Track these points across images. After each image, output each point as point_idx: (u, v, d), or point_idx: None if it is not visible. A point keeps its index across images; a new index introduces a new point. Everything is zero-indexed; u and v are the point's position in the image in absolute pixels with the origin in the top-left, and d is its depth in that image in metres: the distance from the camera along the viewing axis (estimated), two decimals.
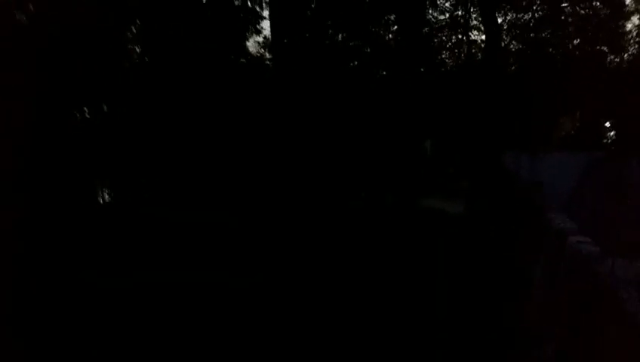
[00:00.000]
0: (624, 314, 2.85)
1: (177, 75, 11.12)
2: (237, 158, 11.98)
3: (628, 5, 12.08)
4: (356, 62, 12.72)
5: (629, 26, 12.85)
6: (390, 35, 12.28)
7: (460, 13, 12.55)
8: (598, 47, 12.63)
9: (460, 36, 12.44)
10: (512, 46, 12.56)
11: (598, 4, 11.53)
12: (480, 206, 10.73)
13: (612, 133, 15.81)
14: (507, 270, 6.17)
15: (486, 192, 10.44)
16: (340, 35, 12.35)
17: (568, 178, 6.89)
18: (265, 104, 11.47)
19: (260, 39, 12.23)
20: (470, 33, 12.36)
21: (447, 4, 12.41)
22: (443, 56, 12.72)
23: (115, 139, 11.99)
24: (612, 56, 13.46)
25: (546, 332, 3.84)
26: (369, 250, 10.42)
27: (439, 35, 12.48)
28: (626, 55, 13.37)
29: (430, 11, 12.29)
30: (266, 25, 12.11)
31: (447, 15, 12.40)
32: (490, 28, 11.07)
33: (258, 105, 11.53)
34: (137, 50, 11.90)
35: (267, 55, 12.35)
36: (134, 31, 11.65)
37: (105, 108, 13.45)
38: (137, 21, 11.35)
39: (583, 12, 11.60)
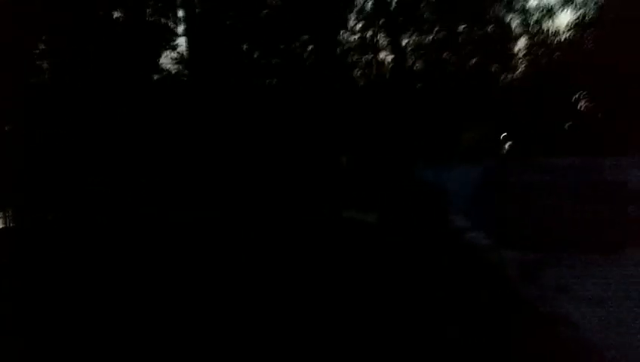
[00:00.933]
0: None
1: (87, 90, 10.84)
2: (152, 173, 11.82)
3: (514, 28, 13.69)
4: (273, 80, 13.12)
5: (520, 45, 14.50)
6: (305, 55, 12.83)
7: (369, 34, 13.46)
8: (491, 67, 14.11)
9: (369, 56, 13.33)
10: (416, 65, 13.66)
11: (489, 28, 12.93)
12: (393, 214, 11.47)
13: (507, 144, 17.63)
14: (416, 264, 6.81)
15: (398, 201, 11.21)
16: (256, 53, 12.70)
17: (468, 186, 7.66)
18: (179, 120, 11.47)
19: (175, 55, 12.26)
20: (379, 53, 13.29)
21: (358, 26, 13.26)
22: (355, 74, 13.51)
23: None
24: (505, 74, 15.08)
25: (451, 314, 4.36)
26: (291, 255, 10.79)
27: (351, 54, 13.28)
28: (516, 73, 15.03)
29: (342, 32, 13.05)
30: (181, 41, 12.15)
31: (358, 36, 13.26)
32: (396, 49, 12.02)
33: (172, 121, 11.50)
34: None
35: (182, 71, 12.39)
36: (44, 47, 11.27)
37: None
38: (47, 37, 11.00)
39: (476, 36, 12.92)
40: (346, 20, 12.89)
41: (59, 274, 9.41)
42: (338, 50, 13.07)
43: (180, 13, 11.47)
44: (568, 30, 13.29)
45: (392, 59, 12.54)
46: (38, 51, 11.38)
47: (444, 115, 13.50)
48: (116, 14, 10.69)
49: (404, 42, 13.04)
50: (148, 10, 10.81)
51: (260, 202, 13.62)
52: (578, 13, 12.71)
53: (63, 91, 11.05)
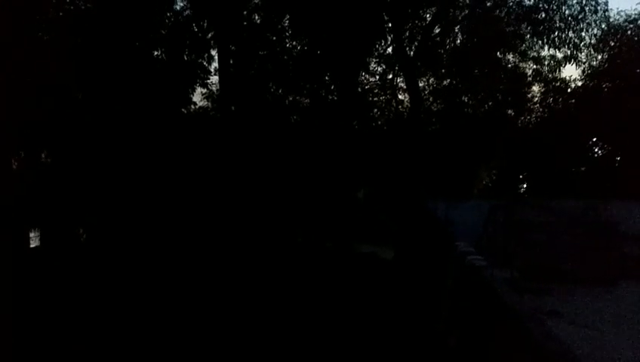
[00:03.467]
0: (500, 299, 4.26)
1: (123, 120, 11.99)
2: (180, 201, 12.82)
3: (529, 76, 14.70)
4: (295, 117, 14.26)
5: (535, 90, 15.45)
6: (327, 93, 13.98)
7: (389, 77, 14.62)
8: (506, 111, 15.06)
9: (388, 97, 14.42)
10: (434, 106, 14.69)
11: (502, 75, 13.97)
12: (406, 246, 12.29)
13: (523, 185, 18.42)
14: (426, 285, 7.71)
15: (411, 234, 12.05)
16: (280, 90, 13.89)
17: (476, 220, 8.53)
18: (209, 151, 12.56)
19: (204, 91, 13.49)
20: (398, 94, 14.39)
21: (378, 69, 14.45)
22: (374, 113, 14.58)
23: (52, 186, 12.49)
24: (522, 118, 16.00)
25: (451, 326, 5.19)
26: (312, 286, 11.67)
27: (371, 95, 14.40)
28: (531, 117, 15.93)
29: (363, 73, 14.22)
30: (212, 79, 13.40)
31: (378, 78, 14.42)
32: (413, 91, 13.09)
33: (202, 152, 12.59)
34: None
35: (211, 106, 13.57)
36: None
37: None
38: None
39: (491, 82, 13.95)
40: (367, 63, 14.06)
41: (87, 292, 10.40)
42: (359, 90, 14.21)
43: (214, 53, 12.76)
44: (581, 79, 14.25)
45: (410, 100, 13.58)
46: (76, 82, 12.60)
47: (460, 155, 14.37)
48: (156, 53, 11.97)
49: (422, 84, 14.14)
50: (185, 50, 12.09)
51: (282, 233, 14.54)
52: (582, 67, 13.67)
53: (98, 120, 12.19)
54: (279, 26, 13.29)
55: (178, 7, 12.46)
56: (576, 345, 4.23)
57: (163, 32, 12.07)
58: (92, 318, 9.53)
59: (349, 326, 9.28)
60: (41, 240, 13.90)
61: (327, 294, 11.55)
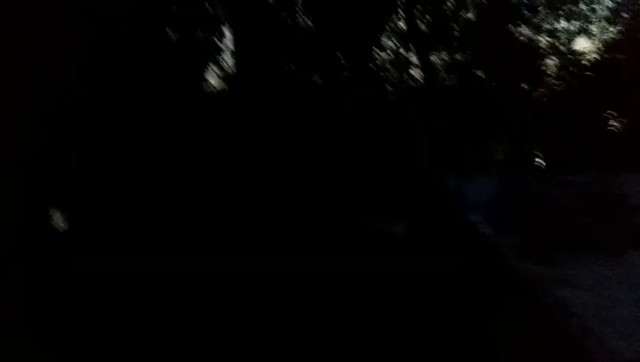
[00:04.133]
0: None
1: (138, 98, 12.28)
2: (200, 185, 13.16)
3: (543, 49, 14.65)
4: (309, 94, 14.43)
5: (550, 63, 15.42)
6: (339, 69, 14.11)
7: (401, 51, 14.67)
8: (520, 84, 15.07)
9: (402, 72, 14.52)
10: (447, 81, 14.76)
11: (516, 48, 13.96)
12: (418, 222, 12.55)
13: (537, 159, 18.48)
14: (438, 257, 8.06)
15: (423, 209, 12.28)
16: (291, 66, 14.06)
17: (488, 194, 8.78)
18: (225, 131, 12.85)
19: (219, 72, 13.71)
20: (410, 69, 14.46)
21: (390, 44, 14.50)
22: (387, 88, 14.71)
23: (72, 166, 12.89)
24: (537, 91, 16.00)
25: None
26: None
27: (383, 70, 14.51)
28: (546, 90, 15.92)
29: (375, 49, 14.30)
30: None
31: (390, 53, 14.49)
32: (426, 65, 13.20)
33: (219, 132, 12.88)
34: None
35: (227, 87, 13.81)
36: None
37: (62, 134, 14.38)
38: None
39: (505, 55, 13.97)
40: (379, 39, 14.13)
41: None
42: (372, 66, 14.32)
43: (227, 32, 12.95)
44: (595, 52, 14.18)
45: (423, 76, 13.69)
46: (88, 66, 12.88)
47: (473, 129, 14.49)
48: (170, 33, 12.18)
49: (436, 59, 14.21)
50: (198, 28, 12.30)
51: (296, 209, 14.84)
52: (594, 40, 13.61)
53: (112, 100, 12.47)
54: (290, 2, 13.38)
55: None
56: (580, 308, 4.50)
57: (176, 10, 12.25)
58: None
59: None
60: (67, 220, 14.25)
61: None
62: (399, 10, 13.94)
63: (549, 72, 15.36)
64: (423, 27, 13.59)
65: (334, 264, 12.01)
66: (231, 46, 12.98)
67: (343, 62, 14.07)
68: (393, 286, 10.96)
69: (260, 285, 10.03)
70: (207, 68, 12.68)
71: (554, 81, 15.32)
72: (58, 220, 13.44)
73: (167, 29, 12.60)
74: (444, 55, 14.37)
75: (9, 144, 12.26)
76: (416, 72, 14.39)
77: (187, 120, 11.98)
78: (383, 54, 14.42)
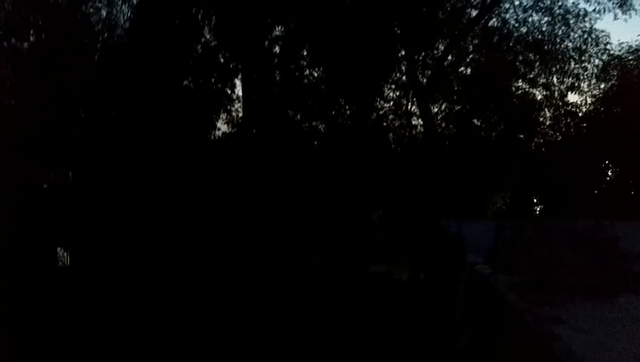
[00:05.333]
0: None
1: (152, 144, 12.90)
2: (201, 224, 13.57)
3: (539, 101, 15.48)
4: (313, 141, 15.14)
5: (546, 114, 16.21)
6: (343, 119, 14.86)
7: (403, 102, 15.50)
8: (518, 134, 15.81)
9: (402, 122, 15.29)
10: (447, 130, 15.51)
11: (513, 101, 14.80)
12: (421, 265, 12.94)
13: (538, 207, 19.00)
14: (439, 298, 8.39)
15: (426, 253, 12.70)
16: (298, 116, 14.83)
17: (487, 238, 9.24)
18: (231, 174, 13.42)
19: (228, 116, 14.44)
20: (411, 119, 15.24)
21: (392, 95, 15.36)
22: (389, 137, 15.43)
23: (81, 206, 13.35)
24: (534, 141, 16.72)
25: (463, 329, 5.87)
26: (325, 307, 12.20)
27: (385, 120, 15.28)
28: (543, 140, 16.65)
29: (378, 100, 15.13)
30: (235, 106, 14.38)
31: (392, 103, 15.31)
32: (426, 116, 13.95)
33: (225, 175, 13.45)
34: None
35: (233, 131, 14.50)
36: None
37: (70, 175, 14.93)
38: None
39: (502, 107, 14.78)
40: (382, 90, 14.97)
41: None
42: (374, 115, 15.10)
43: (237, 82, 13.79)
44: (590, 104, 15.00)
45: (423, 125, 14.42)
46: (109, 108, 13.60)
47: (472, 177, 15.07)
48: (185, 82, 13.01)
49: (434, 109, 15.00)
50: (211, 79, 13.12)
51: (300, 254, 15.18)
52: (585, 96, 14.44)
53: (127, 144, 13.09)
54: (298, 56, 14.27)
55: (205, 39, 13.48)
56: (578, 347, 4.88)
57: (191, 62, 13.09)
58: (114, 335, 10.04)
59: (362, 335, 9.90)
60: (70, 258, 14.60)
61: (343, 311, 12.00)
62: (401, 64, 14.83)
63: (545, 124, 16.14)
64: (423, 80, 14.44)
65: (336, 307, 12.29)
66: (241, 95, 13.79)
67: (346, 111, 14.85)
68: (394, 326, 11.23)
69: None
70: (218, 115, 13.42)
71: (550, 132, 16.07)
72: (62, 257, 13.80)
73: (184, 81, 13.45)
74: (444, 106, 15.19)
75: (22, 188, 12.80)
76: (416, 122, 15.18)
77: (196, 163, 12.58)
78: (385, 104, 15.26)
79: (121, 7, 13.92)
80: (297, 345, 9.84)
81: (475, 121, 15.34)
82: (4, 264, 11.48)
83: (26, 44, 13.99)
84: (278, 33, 14.11)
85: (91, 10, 13.70)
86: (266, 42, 13.93)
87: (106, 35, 13.92)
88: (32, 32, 13.96)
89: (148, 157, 12.87)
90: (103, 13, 14.06)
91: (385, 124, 15.19)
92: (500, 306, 5.87)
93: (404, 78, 15.19)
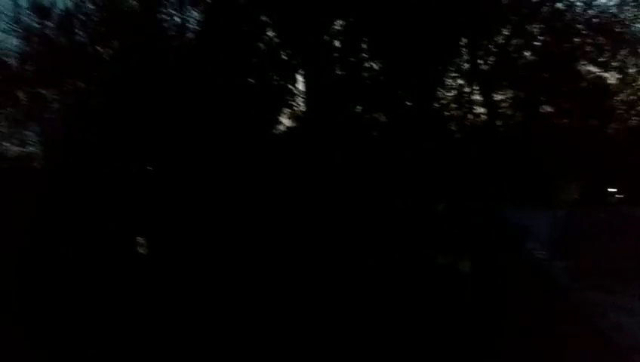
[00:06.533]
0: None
1: (220, 140, 13.70)
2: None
3: (613, 85, 14.74)
4: (375, 133, 15.35)
5: (622, 97, 15.39)
6: (404, 110, 14.95)
7: (465, 90, 15.33)
8: (590, 120, 15.17)
9: (465, 110, 15.14)
10: (513, 118, 15.18)
11: (586, 85, 14.21)
12: (483, 257, 12.80)
13: (616, 197, 18.07)
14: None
15: (488, 243, 12.58)
16: (358, 107, 15.09)
17: (550, 227, 9.20)
18: (295, 169, 13.96)
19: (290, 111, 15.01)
20: (474, 108, 15.06)
21: (453, 83, 15.24)
22: (451, 127, 15.33)
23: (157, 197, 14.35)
24: (608, 127, 15.96)
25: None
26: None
27: (447, 109, 15.21)
28: (618, 126, 15.85)
29: (439, 89, 15.08)
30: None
31: (454, 92, 15.20)
32: (490, 104, 13.76)
33: (289, 170, 14.01)
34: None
35: (295, 125, 15.04)
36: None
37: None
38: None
39: (573, 93, 14.24)
40: (443, 79, 14.92)
41: None
42: (436, 105, 15.06)
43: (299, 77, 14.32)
44: None
45: (487, 113, 14.22)
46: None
47: (541, 166, 14.69)
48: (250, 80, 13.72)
49: (500, 97, 14.74)
50: (274, 76, 13.75)
51: (362, 248, 15.42)
52: None
53: (198, 139, 13.94)
54: (358, 49, 14.55)
55: (268, 37, 14.13)
56: (625, 324, 4.91)
57: (255, 60, 13.79)
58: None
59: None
60: (148, 247, 15.74)
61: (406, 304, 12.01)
62: (463, 52, 14.70)
63: (620, 108, 15.35)
64: (485, 67, 14.23)
65: (397, 299, 12.42)
66: (302, 89, 14.30)
67: (407, 102, 14.93)
68: (456, 319, 11.27)
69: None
70: (281, 110, 14.02)
71: (626, 117, 15.28)
72: (141, 246, 14.98)
73: (249, 79, 14.17)
74: (509, 93, 14.87)
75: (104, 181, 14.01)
76: (480, 110, 14.99)
77: (260, 158, 13.23)
78: (446, 93, 15.17)
79: (191, 12, 14.89)
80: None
81: (544, 107, 14.90)
82: (86, 252, 12.68)
83: (110, 51, 15.33)
84: (337, 27, 14.46)
85: (164, 16, 14.71)
86: (326, 37, 14.33)
87: (178, 38, 14.95)
88: (114, 40, 15.27)
89: (218, 152, 13.69)
90: (176, 19, 15.12)
91: (447, 113, 15.12)
92: (553, 290, 5.94)
93: (466, 65, 15.03)
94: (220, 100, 13.60)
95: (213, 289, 12.30)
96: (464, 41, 14.38)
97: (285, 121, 14.49)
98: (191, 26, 14.83)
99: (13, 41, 14.35)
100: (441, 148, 14.89)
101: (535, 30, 13.93)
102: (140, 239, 14.91)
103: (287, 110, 14.38)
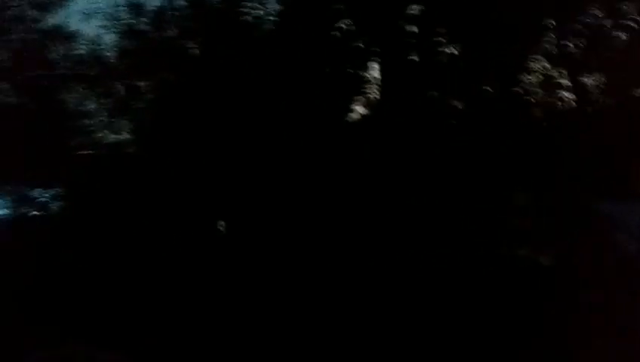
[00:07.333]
0: None
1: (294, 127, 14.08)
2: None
3: None
4: (453, 120, 14.97)
5: None
6: (484, 95, 14.43)
7: (552, 74, 14.45)
8: None
9: (551, 95, 14.27)
10: (604, 103, 14.07)
11: None
12: (568, 249, 12.11)
13: None
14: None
15: (573, 235, 11.87)
16: (433, 92, 14.80)
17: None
18: (369, 156, 14.01)
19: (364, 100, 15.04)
20: (560, 92, 14.14)
21: (538, 66, 14.40)
22: (536, 113, 14.54)
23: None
24: None
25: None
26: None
27: (531, 94, 14.42)
28: None
29: (522, 72, 14.34)
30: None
31: (539, 76, 14.36)
32: (578, 88, 12.89)
33: (363, 157, 14.09)
34: None
35: (369, 113, 15.05)
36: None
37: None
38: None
39: None
40: (527, 62, 14.19)
41: None
42: (518, 89, 14.37)
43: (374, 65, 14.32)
44: None
45: (575, 99, 13.33)
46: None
47: (636, 153, 13.55)
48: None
49: (589, 81, 13.73)
50: (348, 64, 13.90)
51: (441, 239, 15.11)
52: None
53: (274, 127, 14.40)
54: (435, 33, 14.25)
55: (343, 26, 14.27)
56: None
57: (330, 49, 14.02)
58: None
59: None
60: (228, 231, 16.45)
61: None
62: (549, 33, 13.88)
63: None
64: (574, 50, 13.33)
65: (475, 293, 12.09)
66: (377, 76, 14.27)
67: (487, 87, 14.39)
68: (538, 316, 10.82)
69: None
70: (354, 98, 14.12)
71: None
72: (220, 226, 15.77)
73: (325, 68, 14.44)
74: (600, 76, 13.80)
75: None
76: (566, 95, 14.04)
77: (332, 145, 13.44)
78: (530, 78, 14.38)
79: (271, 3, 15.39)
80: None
81: (638, 91, 13.65)
82: (172, 236, 13.59)
83: (197, 45, 16.26)
84: (413, 12, 14.25)
85: (245, 9, 15.31)
86: (401, 22, 14.19)
87: (258, 29, 15.54)
88: (201, 34, 16.18)
89: (295, 141, 14.11)
90: (258, 11, 15.69)
91: (530, 99, 14.36)
92: None
93: (553, 48, 14.16)
94: (297, 91, 14.01)
95: (293, 278, 12.72)
96: (550, 21, 13.57)
97: (359, 109, 14.56)
98: (271, 18, 15.38)
99: (111, 37, 15.50)
100: (524, 136, 14.23)
101: (627, 8, 12.83)
102: (221, 223, 15.79)
103: (361, 98, 14.44)
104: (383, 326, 10.75)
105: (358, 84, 14.13)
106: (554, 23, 13.68)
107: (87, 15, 15.36)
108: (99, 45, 15.57)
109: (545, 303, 11.44)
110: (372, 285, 12.17)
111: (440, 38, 14.18)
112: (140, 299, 11.68)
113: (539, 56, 14.32)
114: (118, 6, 15.23)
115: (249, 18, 15.81)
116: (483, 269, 13.33)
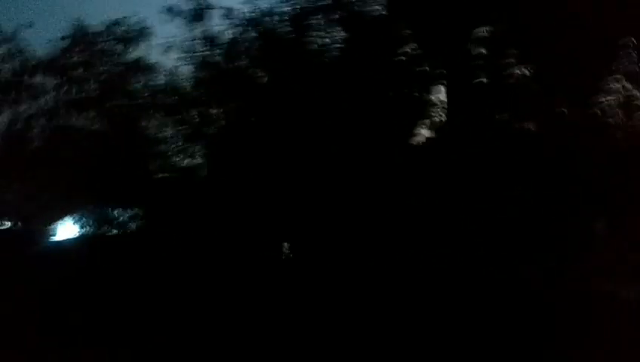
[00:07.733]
0: None
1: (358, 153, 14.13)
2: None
3: None
4: (524, 143, 14.40)
5: None
6: (557, 117, 13.82)
7: (634, 93, 13.60)
8: None
9: (633, 116, 13.44)
10: None
11: None
12: None
13: None
14: None
15: None
16: (503, 115, 14.35)
17: None
18: (435, 179, 13.76)
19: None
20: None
21: (617, 86, 13.62)
22: (615, 135, 13.71)
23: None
24: None
25: None
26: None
27: (610, 115, 13.64)
28: None
29: (599, 93, 13.62)
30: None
31: (619, 96, 13.57)
32: None
33: (429, 180, 13.86)
34: None
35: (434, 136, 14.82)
36: None
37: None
38: None
39: None
40: (604, 82, 13.49)
41: None
42: (596, 111, 13.63)
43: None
44: None
45: None
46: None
47: None
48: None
49: None
50: (414, 87, 13.88)
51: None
52: None
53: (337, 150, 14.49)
54: (504, 54, 13.91)
55: (408, 50, 14.31)
56: None
57: (395, 73, 14.06)
58: None
59: None
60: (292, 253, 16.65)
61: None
62: (628, 52, 13.14)
63: None
64: None
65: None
66: (443, 98, 14.10)
67: (561, 108, 13.76)
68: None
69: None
70: (419, 122, 14.02)
71: None
72: (286, 250, 15.99)
73: (389, 92, 14.49)
74: None
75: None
76: None
77: (395, 169, 13.34)
78: (609, 98, 13.60)
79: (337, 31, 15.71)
80: None
81: None
82: (236, 257, 14.02)
83: (262, 73, 16.88)
84: (481, 34, 14.01)
85: (311, 38, 15.73)
86: (469, 44, 14.00)
87: (323, 57, 15.90)
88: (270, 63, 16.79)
89: (361, 164, 14.16)
90: (324, 39, 16.08)
91: (609, 120, 13.56)
92: None
93: (634, 67, 13.34)
94: (362, 115, 14.13)
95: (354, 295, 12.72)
96: (630, 39, 12.85)
97: (424, 132, 14.41)
98: (337, 45, 15.69)
99: (188, 68, 16.47)
100: (601, 158, 13.38)
101: None
102: (285, 245, 16.04)
103: (426, 121, 14.29)
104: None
105: (424, 108, 14.02)
106: (634, 41, 12.93)
107: (166, 48, 16.50)
108: (176, 76, 16.63)
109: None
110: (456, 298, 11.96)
111: (510, 59, 13.84)
112: (213, 314, 12.15)
113: (618, 76, 13.56)
114: (194, 39, 16.25)
115: (315, 46, 16.25)
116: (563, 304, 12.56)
